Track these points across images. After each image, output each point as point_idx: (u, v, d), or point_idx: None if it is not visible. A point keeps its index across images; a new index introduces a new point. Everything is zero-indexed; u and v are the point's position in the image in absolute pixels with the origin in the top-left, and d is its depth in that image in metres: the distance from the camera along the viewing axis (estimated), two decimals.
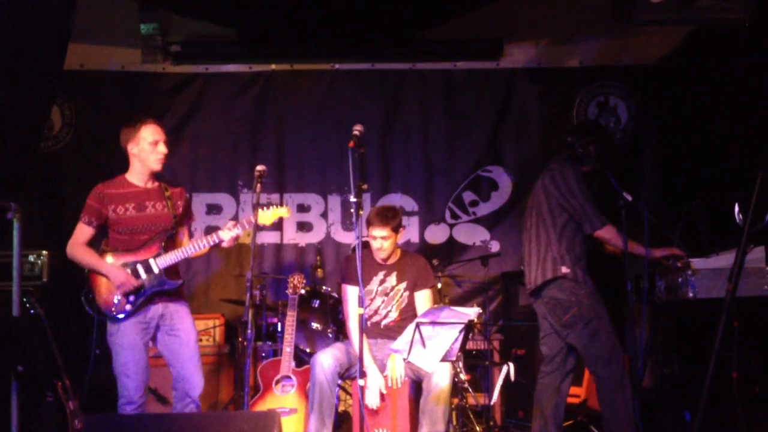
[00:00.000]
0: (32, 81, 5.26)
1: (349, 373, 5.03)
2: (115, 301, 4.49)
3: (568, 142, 4.79)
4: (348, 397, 5.91)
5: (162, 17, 6.60)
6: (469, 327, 4.25)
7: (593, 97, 6.94)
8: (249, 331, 4.44)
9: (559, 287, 4.68)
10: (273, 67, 6.98)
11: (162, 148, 4.59)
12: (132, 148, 4.60)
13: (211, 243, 4.64)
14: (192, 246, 4.62)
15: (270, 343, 6.02)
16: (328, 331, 5.66)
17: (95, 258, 4.55)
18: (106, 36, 6.76)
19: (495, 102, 6.98)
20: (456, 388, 5.30)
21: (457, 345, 4.28)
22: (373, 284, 5.17)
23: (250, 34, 6.77)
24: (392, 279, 5.16)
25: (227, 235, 4.62)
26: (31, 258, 5.72)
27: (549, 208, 4.75)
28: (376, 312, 5.16)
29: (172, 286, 4.58)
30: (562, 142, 4.88)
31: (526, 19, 6.74)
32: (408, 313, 5.08)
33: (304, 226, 6.92)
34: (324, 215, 6.93)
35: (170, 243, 4.64)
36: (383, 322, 5.16)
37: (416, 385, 4.99)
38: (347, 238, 6.86)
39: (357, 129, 4.16)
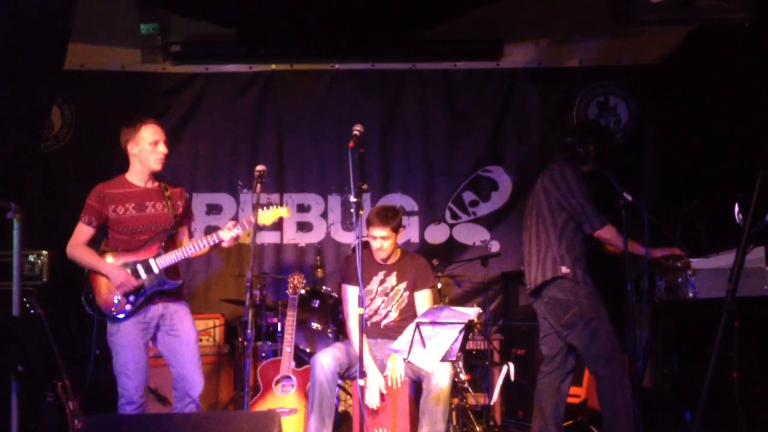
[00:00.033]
0: (32, 81, 5.26)
1: (349, 373, 5.03)
2: (115, 301, 4.49)
3: (568, 142, 4.79)
4: (348, 397, 5.91)
5: (162, 17, 6.61)
6: (469, 327, 4.25)
7: (593, 97, 6.94)
8: (249, 331, 4.44)
9: (559, 287, 4.68)
10: (273, 67, 6.98)
11: (162, 148, 4.59)
12: (132, 148, 4.60)
13: (211, 243, 4.64)
14: (192, 246, 4.62)
15: (270, 343, 6.02)
16: (328, 331, 5.66)
17: (95, 258, 4.55)
18: (106, 36, 6.77)
19: (495, 102, 6.98)
20: (456, 388, 5.30)
21: (457, 345, 4.28)
22: (373, 284, 5.17)
23: (250, 34, 6.77)
24: (392, 279, 5.16)
25: (227, 235, 4.62)
26: (31, 258, 5.73)
27: (549, 208, 4.75)
28: (376, 312, 5.16)
29: (172, 286, 4.58)
30: (562, 142, 4.88)
31: (526, 19, 6.74)
32: (408, 313, 5.08)
33: (304, 226, 6.92)
34: (324, 215, 6.93)
35: (170, 243, 4.64)
36: (383, 322, 5.16)
37: (416, 385, 4.99)
38: (347, 238, 6.86)
39: (357, 129, 4.16)
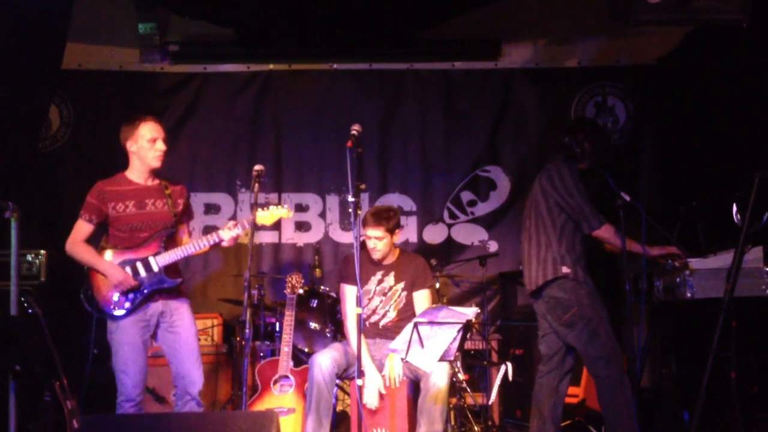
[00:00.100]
0: (31, 80, 5.26)
1: (347, 373, 5.03)
2: (114, 298, 4.49)
3: (565, 142, 4.79)
4: (346, 396, 5.91)
5: (160, 17, 6.61)
6: (467, 327, 4.25)
7: (591, 97, 6.95)
8: (247, 330, 4.44)
9: (560, 287, 4.68)
10: (271, 66, 6.98)
11: (160, 145, 4.60)
12: (131, 146, 4.61)
13: (212, 242, 4.64)
14: (192, 245, 4.63)
15: (268, 342, 6.02)
16: (327, 330, 5.66)
17: (94, 256, 4.55)
18: (105, 36, 6.77)
19: (493, 102, 6.99)
20: (454, 388, 5.30)
21: (455, 345, 4.29)
22: (371, 284, 5.17)
23: (248, 33, 6.77)
24: (390, 279, 5.16)
25: (227, 234, 4.63)
26: (29, 257, 5.73)
27: (547, 208, 4.75)
28: (374, 312, 5.17)
29: (171, 284, 4.58)
30: (560, 142, 4.88)
31: (524, 20, 6.75)
32: (406, 313, 5.08)
33: (302, 226, 6.92)
34: (322, 215, 6.93)
35: (170, 241, 4.65)
36: (381, 322, 5.16)
37: (414, 385, 5.00)
38: (345, 237, 6.86)
39: (355, 129, 4.16)
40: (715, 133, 5.66)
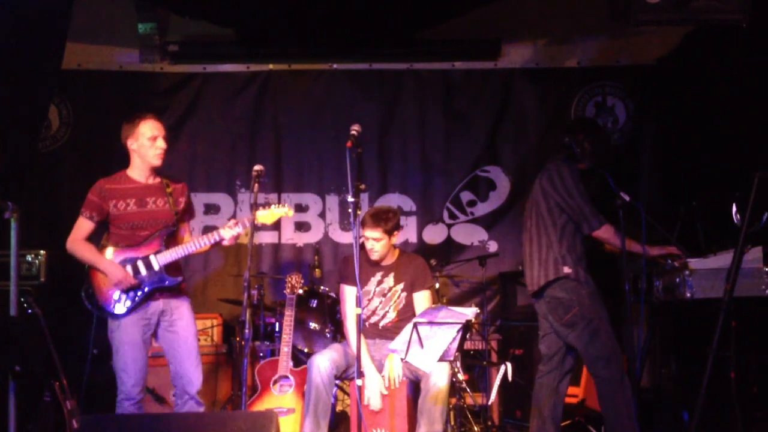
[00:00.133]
0: (31, 81, 5.26)
1: (347, 374, 5.03)
2: (115, 297, 4.49)
3: (565, 142, 4.78)
4: (346, 396, 5.91)
5: (160, 17, 6.61)
6: (466, 327, 4.25)
7: (591, 97, 6.94)
8: (247, 330, 4.44)
9: (562, 287, 4.68)
10: (271, 66, 6.98)
11: (161, 143, 4.60)
12: (131, 144, 4.62)
13: (212, 241, 4.65)
14: (193, 243, 4.63)
15: (268, 342, 6.02)
16: (326, 331, 5.66)
17: (95, 254, 4.55)
18: (104, 36, 6.77)
19: (493, 102, 6.98)
20: (454, 388, 5.30)
21: (455, 345, 4.29)
22: (371, 285, 5.17)
23: (248, 33, 6.77)
24: (390, 280, 5.16)
25: (228, 233, 4.63)
26: (29, 258, 5.73)
27: (548, 209, 4.75)
28: (373, 312, 5.16)
29: (172, 283, 4.58)
30: (560, 142, 4.87)
31: (524, 20, 6.74)
32: (406, 314, 5.08)
33: (302, 226, 6.92)
34: (322, 215, 6.93)
35: (171, 239, 4.65)
36: (381, 323, 5.16)
37: (414, 385, 5.00)
38: (345, 238, 6.86)
39: (354, 129, 4.15)
40: (715, 133, 5.66)
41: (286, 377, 5.34)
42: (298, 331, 5.61)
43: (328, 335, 5.65)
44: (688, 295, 4.47)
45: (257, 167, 4.64)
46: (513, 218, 6.81)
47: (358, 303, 4.17)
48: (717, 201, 4.79)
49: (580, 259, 4.71)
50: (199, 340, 4.73)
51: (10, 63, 4.98)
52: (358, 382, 4.08)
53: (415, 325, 4.25)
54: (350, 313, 5.07)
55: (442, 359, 4.32)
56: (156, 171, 4.68)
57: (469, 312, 4.27)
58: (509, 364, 5.06)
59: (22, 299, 4.71)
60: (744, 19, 4.58)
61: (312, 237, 6.90)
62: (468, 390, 5.70)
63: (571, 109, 6.93)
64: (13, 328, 4.64)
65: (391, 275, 5.16)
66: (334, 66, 7.00)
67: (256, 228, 4.70)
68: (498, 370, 5.18)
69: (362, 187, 4.13)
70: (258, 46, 6.85)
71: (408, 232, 6.86)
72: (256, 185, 4.60)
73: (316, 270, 6.38)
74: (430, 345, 4.26)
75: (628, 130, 6.91)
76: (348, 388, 5.75)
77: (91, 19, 6.34)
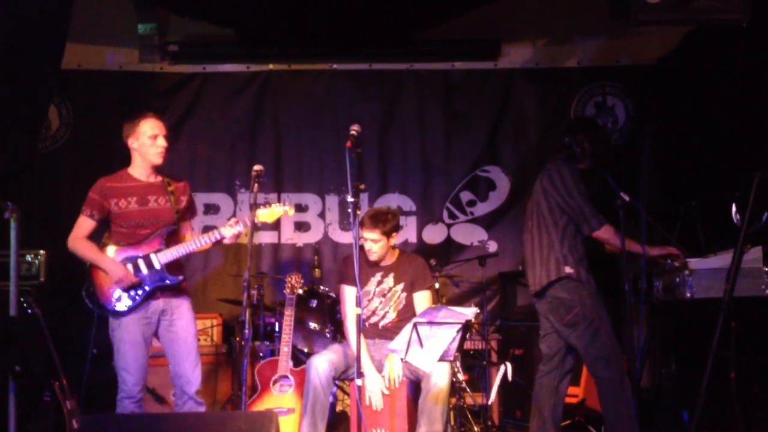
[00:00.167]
0: (31, 81, 5.26)
1: (346, 375, 5.03)
2: (116, 295, 4.49)
3: (565, 142, 4.78)
4: (346, 396, 5.91)
5: (160, 17, 6.61)
6: (466, 327, 4.25)
7: (591, 97, 6.94)
8: (246, 330, 4.44)
9: (563, 287, 4.68)
10: (271, 67, 6.98)
11: (161, 142, 4.61)
12: (132, 143, 4.63)
13: (213, 239, 4.65)
14: (194, 242, 4.64)
15: (267, 342, 6.02)
16: (326, 331, 5.66)
17: (96, 252, 4.56)
18: (104, 36, 6.77)
19: (493, 102, 6.98)
20: (454, 388, 5.29)
21: (455, 345, 4.28)
22: (371, 285, 5.17)
23: (248, 34, 6.77)
24: (389, 280, 5.16)
25: (229, 231, 4.63)
26: (29, 258, 5.72)
27: (549, 209, 4.75)
28: (373, 313, 5.16)
29: (173, 282, 4.58)
30: (560, 142, 4.88)
31: (524, 20, 6.74)
32: (406, 314, 5.07)
33: (301, 226, 6.91)
34: (322, 215, 6.93)
35: (172, 238, 4.65)
36: (381, 323, 5.16)
37: (414, 385, 4.99)
38: (345, 238, 6.86)
39: (354, 129, 4.15)
40: (715, 133, 5.67)
41: (286, 377, 5.34)
42: (297, 331, 5.61)
43: (328, 335, 5.64)
44: (688, 295, 4.47)
45: (257, 167, 4.64)
46: (513, 218, 6.81)
47: (358, 303, 4.17)
48: (717, 201, 4.79)
49: (582, 259, 4.71)
50: (198, 340, 4.73)
51: (10, 63, 4.98)
52: (358, 382, 4.08)
53: (415, 325, 4.25)
54: (350, 313, 5.07)
55: (442, 359, 4.32)
56: (157, 170, 4.69)
57: (469, 312, 4.26)
58: (509, 364, 5.05)
59: (21, 299, 4.71)
60: (744, 19, 4.58)
61: (312, 237, 6.90)
62: (468, 390, 5.70)
63: (571, 109, 6.93)
64: (13, 328, 4.64)
65: (391, 275, 5.16)
66: (334, 66, 7.00)
67: (256, 228, 4.71)
68: (498, 370, 5.17)
69: (362, 187, 4.12)
70: (258, 46, 6.85)
71: (408, 232, 6.86)
72: (256, 185, 4.60)
73: (316, 270, 6.38)
74: (430, 345, 4.25)
75: (628, 130, 6.91)
76: (348, 388, 5.75)
77: (91, 19, 6.34)
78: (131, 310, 4.50)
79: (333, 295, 5.73)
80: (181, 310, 4.63)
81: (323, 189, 6.93)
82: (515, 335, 6.26)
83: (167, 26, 6.74)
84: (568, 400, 5.06)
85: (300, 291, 5.56)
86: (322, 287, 5.88)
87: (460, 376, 5.53)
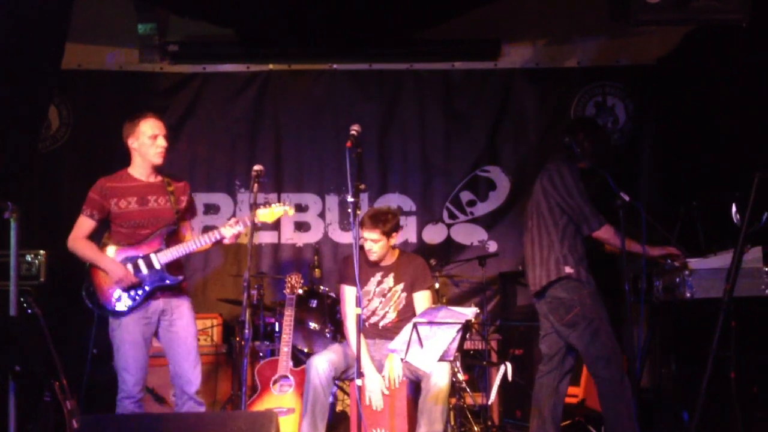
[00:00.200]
0: (31, 81, 5.26)
1: (346, 375, 5.03)
2: (116, 295, 4.49)
3: (565, 142, 4.79)
4: (346, 397, 5.91)
5: (160, 17, 6.61)
6: (466, 327, 4.25)
7: (591, 97, 6.94)
8: (246, 330, 4.44)
9: (563, 287, 4.68)
10: (271, 67, 6.98)
11: (161, 142, 4.62)
12: (132, 143, 4.63)
13: (213, 239, 4.65)
14: (194, 242, 4.64)
15: (268, 342, 6.02)
16: (326, 331, 5.66)
17: (96, 252, 4.56)
18: (104, 36, 6.77)
19: (493, 102, 6.98)
20: (454, 388, 5.30)
21: (455, 345, 4.28)
22: (371, 285, 5.17)
23: (248, 34, 6.77)
24: (389, 280, 5.16)
25: (229, 231, 4.63)
26: (29, 258, 5.72)
27: (549, 209, 4.75)
28: (373, 313, 5.16)
29: (173, 282, 4.58)
30: (560, 142, 4.87)
31: (523, 20, 6.74)
32: (406, 314, 5.07)
33: (301, 226, 6.91)
34: (322, 215, 6.93)
35: (172, 238, 4.65)
36: (381, 323, 5.16)
37: (414, 385, 4.99)
38: (345, 238, 6.85)
39: (354, 129, 4.15)
40: (715, 133, 5.66)
41: (286, 377, 5.34)
42: (297, 331, 5.61)
43: (328, 335, 5.64)
44: (688, 295, 4.47)
45: (257, 167, 4.64)
46: (513, 218, 6.81)
47: (358, 303, 4.18)
48: (717, 201, 4.79)
49: (582, 259, 4.71)
50: (198, 340, 4.73)
51: (10, 63, 4.98)
52: (358, 382, 4.08)
53: (415, 325, 4.25)
54: (350, 313, 5.07)
55: (442, 359, 4.32)
56: (157, 170, 4.69)
57: (469, 312, 4.26)
58: (509, 364, 5.05)
59: (21, 299, 4.71)
60: (744, 19, 4.58)
61: (312, 237, 6.90)
62: (468, 390, 5.70)
63: (571, 109, 6.93)
64: (13, 328, 4.64)
65: (391, 275, 5.16)
66: (334, 66, 7.00)
67: (256, 228, 4.71)
68: (498, 370, 5.17)
69: (362, 187, 4.12)
70: (258, 46, 6.85)
71: (408, 232, 6.86)
72: (256, 185, 4.60)
73: (316, 270, 6.38)
74: (430, 345, 4.25)
75: (628, 130, 6.91)
76: (348, 388, 5.75)
77: (91, 19, 6.34)
78: (131, 310, 4.50)
79: (333, 295, 5.73)
80: (181, 310, 4.63)
81: (323, 189, 6.93)
82: (515, 335, 6.26)
83: (167, 26, 6.75)
84: (568, 400, 5.06)
85: (300, 291, 5.56)
86: (322, 287, 5.88)
87: (460, 376, 5.54)
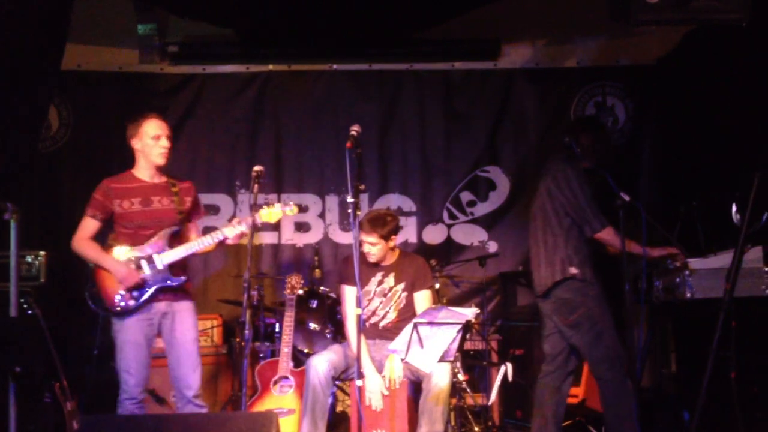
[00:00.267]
0: (31, 81, 5.26)
1: (346, 375, 5.03)
2: (119, 296, 4.49)
3: (565, 143, 4.78)
4: (346, 397, 5.91)
5: (159, 18, 6.60)
6: (466, 327, 4.25)
7: (591, 97, 6.94)
8: (247, 331, 4.45)
9: (568, 288, 4.68)
10: (270, 67, 6.98)
11: (164, 143, 4.62)
12: (136, 143, 4.64)
13: (216, 240, 4.65)
14: (197, 243, 4.64)
15: (268, 343, 6.02)
16: (326, 331, 5.66)
17: (99, 252, 4.56)
18: (104, 36, 6.76)
19: (493, 102, 6.98)
20: (454, 389, 5.30)
21: (455, 345, 4.29)
22: (371, 285, 5.17)
23: (247, 34, 6.77)
24: (390, 280, 5.16)
25: (232, 232, 4.64)
26: (29, 258, 5.71)
27: (554, 210, 4.75)
28: (374, 313, 5.16)
29: (175, 282, 4.58)
30: (560, 142, 4.87)
31: (523, 20, 6.73)
32: (406, 314, 5.07)
33: (301, 227, 6.91)
34: (322, 215, 6.93)
35: (176, 239, 4.66)
36: (381, 323, 5.16)
37: (415, 386, 4.99)
38: (345, 238, 6.85)
39: (354, 129, 4.15)
40: (715, 133, 5.66)
41: (287, 378, 5.34)
42: (298, 331, 5.61)
43: (328, 336, 5.64)
44: (689, 295, 4.47)
45: (257, 168, 4.64)
46: (513, 218, 6.81)
47: (358, 303, 4.17)
48: (717, 201, 4.79)
49: (587, 260, 4.71)
50: (199, 342, 4.73)
51: (10, 63, 4.98)
52: (359, 383, 4.08)
53: (416, 326, 4.25)
54: (350, 313, 5.07)
55: (442, 359, 4.32)
56: (162, 170, 4.69)
57: (469, 312, 4.27)
58: (509, 365, 5.07)
59: (22, 300, 4.71)
60: (744, 19, 4.57)
61: (312, 237, 6.90)
62: (468, 390, 5.70)
63: (571, 109, 6.93)
64: (13, 329, 4.64)
65: (392, 275, 5.16)
66: (334, 66, 7.00)
67: (256, 228, 4.71)
68: (498, 371, 5.18)
69: (362, 187, 4.12)
70: (258, 47, 6.85)
71: (408, 233, 6.86)
72: (256, 186, 4.61)
73: (316, 270, 6.38)
74: (431, 345, 4.25)
75: (628, 130, 6.91)
76: (348, 389, 5.75)
77: (91, 19, 6.33)
78: (134, 311, 4.50)
79: (333, 295, 5.73)
80: (182, 314, 4.63)
81: (323, 189, 6.93)
82: (515, 335, 6.25)
83: (167, 27, 6.74)
84: (569, 400, 5.06)
85: (300, 291, 5.56)
86: (322, 288, 5.88)
87: (461, 377, 5.54)
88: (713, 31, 5.36)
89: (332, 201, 6.93)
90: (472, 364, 6.16)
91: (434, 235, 6.94)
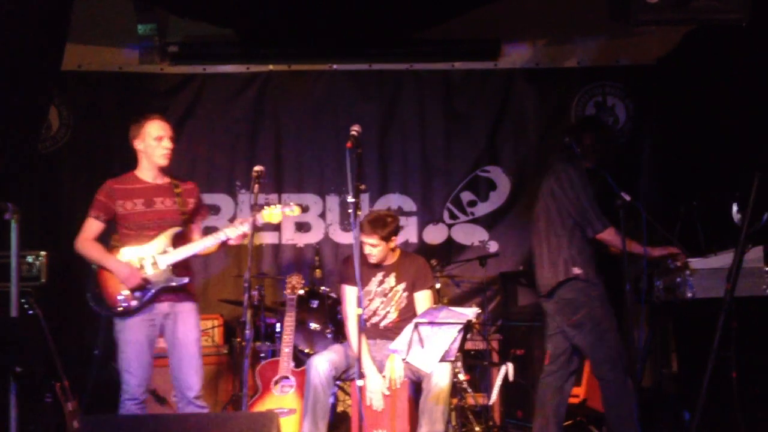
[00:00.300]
0: (31, 81, 5.26)
1: (347, 375, 5.03)
2: (121, 296, 4.49)
3: (566, 143, 4.79)
4: (347, 397, 5.91)
5: (159, 18, 6.59)
6: (467, 327, 4.25)
7: (591, 97, 6.94)
8: (247, 331, 4.44)
9: (572, 288, 4.69)
10: (270, 67, 6.98)
11: (167, 143, 4.63)
12: (138, 144, 4.64)
13: (218, 240, 4.65)
14: (199, 243, 4.65)
15: (269, 343, 6.01)
16: (327, 331, 5.66)
17: (102, 253, 4.56)
18: (104, 37, 6.76)
19: (493, 102, 6.98)
20: (455, 389, 5.30)
21: (456, 345, 4.29)
22: (372, 285, 5.17)
23: (247, 34, 6.77)
24: (391, 280, 5.16)
25: (234, 232, 4.64)
26: (30, 259, 5.72)
27: (557, 210, 4.76)
28: (375, 313, 5.16)
29: (178, 283, 4.58)
30: (560, 142, 4.88)
31: (523, 20, 6.72)
32: (407, 314, 5.07)
33: (302, 227, 6.91)
34: (322, 215, 6.93)
35: (180, 239, 4.66)
36: (382, 323, 5.16)
37: (415, 386, 4.99)
38: (345, 238, 6.85)
39: (354, 129, 4.15)
40: (715, 133, 5.66)
41: (287, 378, 5.34)
42: (299, 331, 5.61)
43: (329, 336, 5.64)
44: (689, 295, 4.47)
45: (257, 168, 4.64)
46: (513, 218, 6.82)
47: (359, 303, 4.17)
48: (717, 201, 4.79)
49: (591, 260, 4.72)
50: (201, 343, 4.73)
51: (10, 63, 4.98)
52: (359, 383, 4.08)
53: (416, 326, 4.25)
54: (351, 313, 5.07)
55: (442, 359, 4.32)
56: (164, 171, 4.69)
57: (470, 312, 4.27)
58: (510, 364, 5.07)
59: (22, 300, 4.72)
60: (744, 19, 4.57)
61: (312, 237, 6.90)
62: (469, 390, 5.70)
63: (571, 109, 6.93)
64: (14, 329, 4.64)
65: (393, 275, 5.16)
66: (334, 66, 7.00)
67: (256, 228, 4.71)
68: (499, 371, 5.19)
69: (362, 187, 4.12)
70: (258, 47, 6.84)
71: (408, 233, 6.86)
72: (256, 186, 4.61)
73: (317, 270, 6.37)
74: (431, 345, 4.25)
75: (628, 130, 6.91)
76: (349, 389, 5.75)
77: (91, 19, 6.33)
78: (136, 311, 4.50)
79: (334, 295, 5.74)
80: (184, 315, 4.63)
81: (324, 189, 6.93)
82: (516, 335, 6.25)
83: (167, 27, 6.74)
84: (570, 400, 5.06)
85: (301, 291, 5.56)
86: (322, 288, 5.88)
87: (462, 377, 5.54)
88: (713, 31, 5.36)
89: (333, 201, 6.92)
90: (473, 363, 6.16)
91: (435, 235, 6.94)
